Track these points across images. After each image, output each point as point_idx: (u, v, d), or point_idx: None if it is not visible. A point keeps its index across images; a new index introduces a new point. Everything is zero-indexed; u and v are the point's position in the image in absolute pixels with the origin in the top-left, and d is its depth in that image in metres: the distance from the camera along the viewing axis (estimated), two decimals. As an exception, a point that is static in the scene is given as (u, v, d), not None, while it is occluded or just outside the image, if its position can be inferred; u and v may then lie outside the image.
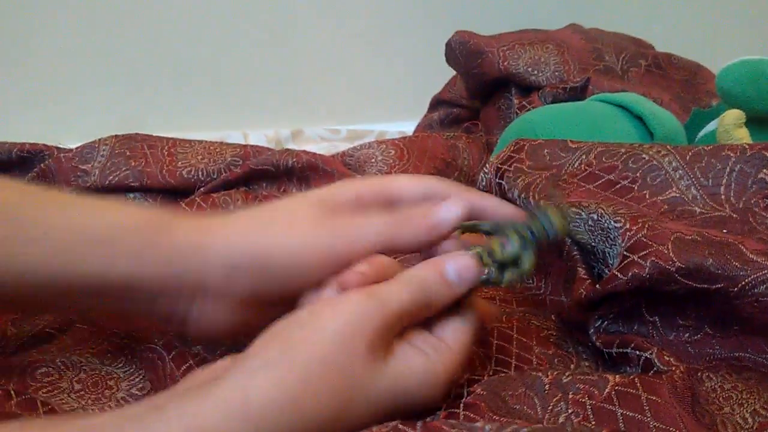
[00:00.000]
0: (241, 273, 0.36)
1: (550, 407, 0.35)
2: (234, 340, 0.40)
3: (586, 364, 0.43)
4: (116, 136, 0.69)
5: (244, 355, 0.31)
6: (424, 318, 0.35)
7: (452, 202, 0.38)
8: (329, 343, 0.31)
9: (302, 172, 0.63)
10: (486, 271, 0.36)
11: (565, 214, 0.35)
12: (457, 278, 0.35)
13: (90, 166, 0.66)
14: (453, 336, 0.36)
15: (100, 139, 0.69)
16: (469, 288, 0.36)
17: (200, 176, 0.67)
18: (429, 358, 0.33)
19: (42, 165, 0.67)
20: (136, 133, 0.70)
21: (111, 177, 0.65)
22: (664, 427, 0.34)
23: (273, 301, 0.37)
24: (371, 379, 0.31)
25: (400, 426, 0.31)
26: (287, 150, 0.68)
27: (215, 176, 0.67)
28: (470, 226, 0.38)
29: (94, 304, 0.39)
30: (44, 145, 0.69)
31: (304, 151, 0.68)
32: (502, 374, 0.39)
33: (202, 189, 0.66)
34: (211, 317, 0.38)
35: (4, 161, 0.68)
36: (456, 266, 0.36)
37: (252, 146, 0.72)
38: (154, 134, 0.71)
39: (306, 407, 0.29)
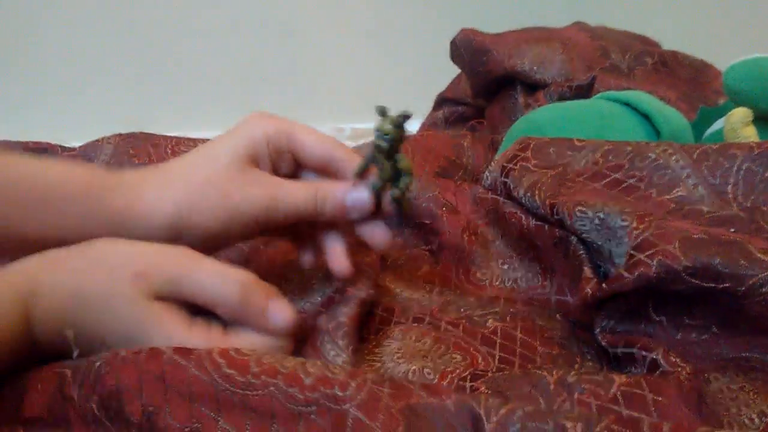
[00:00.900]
0: (180, 235, 0.41)
1: (555, 407, 0.35)
2: None
3: (590, 364, 0.43)
4: (120, 134, 0.70)
5: None
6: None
7: (362, 189, 0.43)
8: (114, 251, 0.38)
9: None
10: (394, 190, 0.43)
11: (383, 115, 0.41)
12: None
13: (93, 164, 0.67)
14: None
15: (103, 138, 0.69)
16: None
17: (204, 175, 0.67)
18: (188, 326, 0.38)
19: (46, 163, 0.67)
20: (140, 132, 0.70)
21: (115, 176, 0.65)
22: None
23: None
24: (127, 299, 0.36)
25: (396, 378, 0.31)
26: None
27: (219, 175, 0.67)
28: (361, 169, 0.43)
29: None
30: (48, 143, 0.69)
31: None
32: (507, 372, 0.38)
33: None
34: None
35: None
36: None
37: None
38: (157, 133, 0.72)
39: (83, 280, 0.37)
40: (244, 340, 0.38)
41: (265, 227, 0.43)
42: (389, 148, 0.41)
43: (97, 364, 0.34)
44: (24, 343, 0.37)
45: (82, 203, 0.40)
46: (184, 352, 0.33)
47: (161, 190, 0.41)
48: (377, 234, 0.45)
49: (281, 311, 0.39)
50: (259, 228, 0.43)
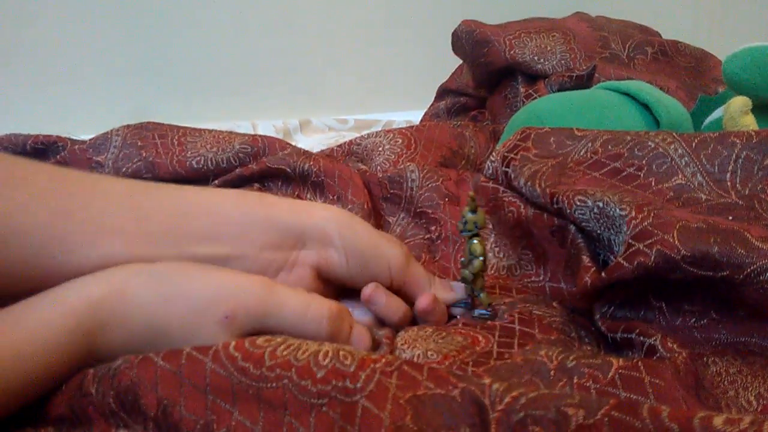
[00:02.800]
0: (330, 248, 0.44)
1: (555, 392, 0.35)
2: None
3: (589, 348, 0.43)
4: (128, 126, 0.70)
5: None
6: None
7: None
8: (199, 291, 0.39)
9: (317, 178, 0.63)
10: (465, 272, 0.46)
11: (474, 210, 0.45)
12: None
13: (103, 157, 0.67)
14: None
15: (111, 130, 0.70)
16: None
17: (210, 165, 0.67)
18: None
19: (57, 157, 0.67)
20: (147, 122, 0.71)
21: (124, 168, 0.66)
22: (667, 409, 0.34)
23: (339, 280, 0.46)
24: (213, 340, 0.37)
25: (405, 367, 0.32)
26: (305, 153, 0.68)
27: (224, 165, 0.67)
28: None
29: None
30: (58, 136, 0.70)
31: (323, 156, 0.67)
32: (508, 361, 0.39)
33: (216, 181, 0.66)
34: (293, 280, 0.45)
35: (18, 153, 0.68)
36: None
37: (261, 135, 0.72)
38: (164, 123, 0.72)
39: (160, 316, 0.37)
40: None
41: (392, 278, 0.45)
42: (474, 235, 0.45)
43: (118, 362, 0.35)
44: (79, 367, 0.37)
45: (240, 210, 0.44)
46: (202, 348, 0.34)
47: (321, 206, 0.46)
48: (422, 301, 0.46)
49: (362, 339, 0.41)
50: (389, 276, 0.45)
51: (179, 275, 0.39)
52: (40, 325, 0.35)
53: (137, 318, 0.37)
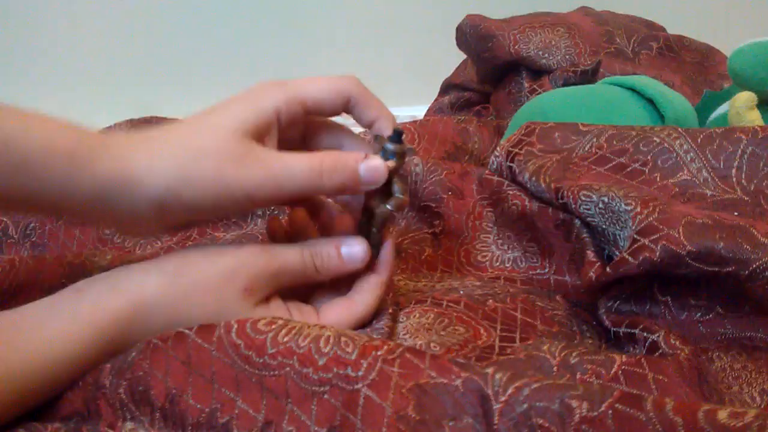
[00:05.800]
0: (168, 209, 0.38)
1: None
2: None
3: (590, 341, 0.43)
4: (131, 120, 0.70)
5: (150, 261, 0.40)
6: (315, 281, 0.42)
7: (376, 158, 0.41)
8: (213, 275, 0.38)
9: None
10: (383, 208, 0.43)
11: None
12: (349, 257, 0.42)
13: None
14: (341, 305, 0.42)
15: (115, 124, 0.70)
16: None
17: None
18: (290, 316, 0.40)
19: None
20: (150, 116, 0.71)
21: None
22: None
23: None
24: (238, 314, 0.37)
25: (407, 354, 0.31)
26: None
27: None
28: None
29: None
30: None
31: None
32: (511, 357, 0.39)
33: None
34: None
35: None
36: (349, 249, 0.42)
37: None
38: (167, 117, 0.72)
39: (182, 312, 0.37)
40: (333, 314, 0.41)
41: (264, 205, 0.44)
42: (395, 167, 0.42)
43: (132, 353, 0.35)
44: (108, 357, 0.37)
45: (64, 169, 0.36)
46: (206, 334, 0.34)
47: (153, 159, 0.37)
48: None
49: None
50: (256, 206, 0.43)
51: (188, 266, 0.39)
52: (57, 337, 0.35)
53: (159, 319, 0.37)
